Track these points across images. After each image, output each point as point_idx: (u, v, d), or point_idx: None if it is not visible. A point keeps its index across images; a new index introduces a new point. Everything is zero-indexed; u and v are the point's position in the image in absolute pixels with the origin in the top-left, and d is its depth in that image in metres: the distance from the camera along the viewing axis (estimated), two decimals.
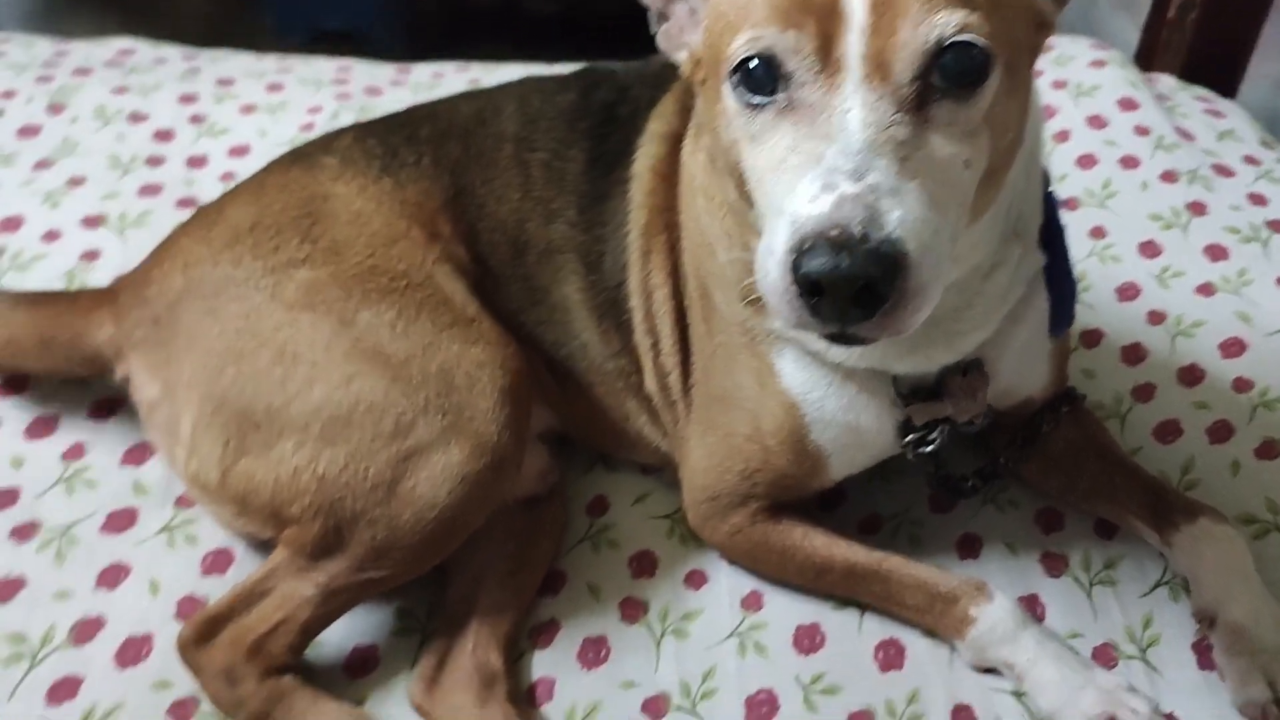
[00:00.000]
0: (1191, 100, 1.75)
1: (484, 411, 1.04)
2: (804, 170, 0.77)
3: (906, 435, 1.06)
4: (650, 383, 1.16)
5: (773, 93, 0.81)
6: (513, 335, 1.14)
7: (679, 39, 0.96)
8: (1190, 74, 1.84)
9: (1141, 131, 1.64)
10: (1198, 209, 1.52)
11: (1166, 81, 1.81)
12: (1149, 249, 1.47)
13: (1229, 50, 1.83)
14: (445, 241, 1.14)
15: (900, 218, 0.74)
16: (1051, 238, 1.02)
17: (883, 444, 1.08)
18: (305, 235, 1.11)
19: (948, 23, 0.77)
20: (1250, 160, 1.61)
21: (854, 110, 0.77)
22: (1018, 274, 1.00)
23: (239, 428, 1.04)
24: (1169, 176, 1.57)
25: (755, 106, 0.83)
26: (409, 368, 1.04)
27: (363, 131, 1.24)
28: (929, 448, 1.06)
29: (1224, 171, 1.58)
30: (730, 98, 0.84)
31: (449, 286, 1.11)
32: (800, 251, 0.74)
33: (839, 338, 0.80)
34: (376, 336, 1.05)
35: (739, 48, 0.82)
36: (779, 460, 1.08)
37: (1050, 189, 1.03)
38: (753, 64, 0.81)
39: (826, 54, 0.79)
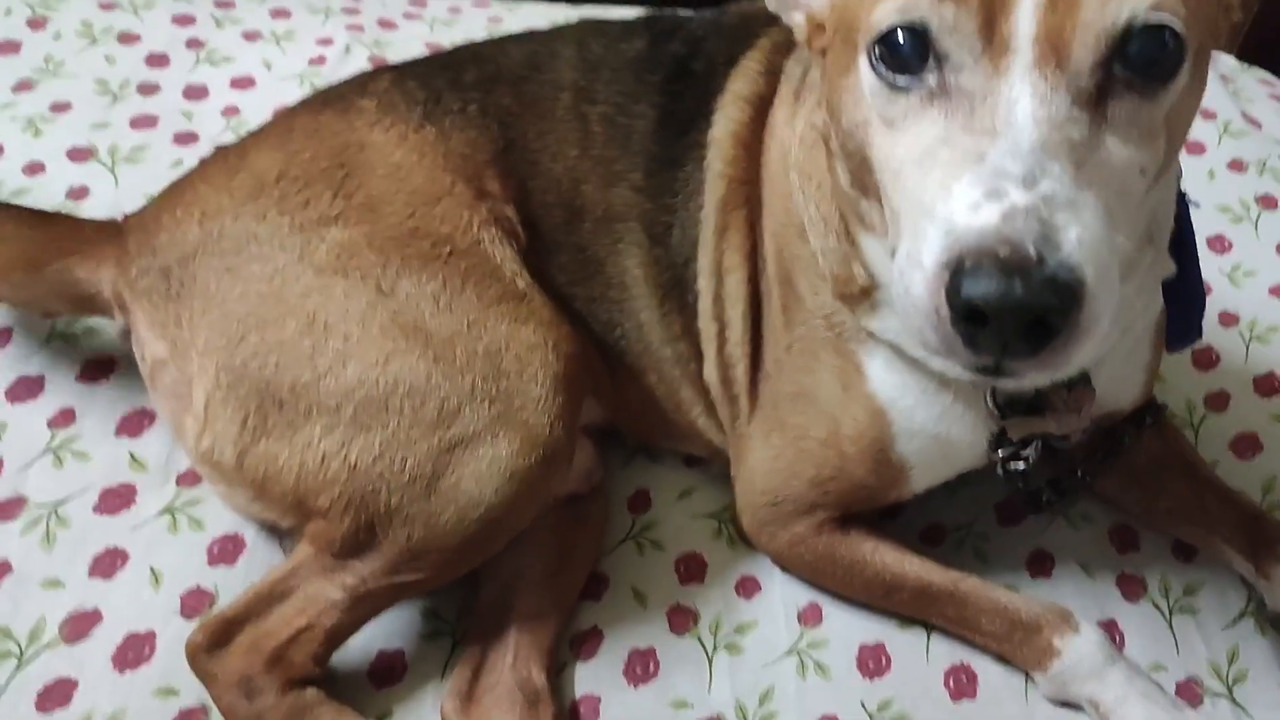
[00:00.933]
0: (1255, 84, 1.67)
1: (535, 400, 0.93)
2: (960, 169, 0.66)
3: (998, 449, 0.96)
4: (711, 372, 1.05)
5: (921, 72, 0.70)
6: (561, 313, 1.03)
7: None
8: (1248, 53, 1.75)
9: (1207, 115, 1.56)
10: (1269, 203, 1.45)
11: (1227, 62, 1.72)
12: (1219, 244, 1.39)
13: None
14: (493, 200, 1.02)
15: (1078, 237, 0.63)
16: (1183, 242, 0.92)
17: (972, 457, 0.98)
18: (338, 189, 0.98)
19: (1140, 2, 0.66)
20: None
21: (1023, 101, 0.66)
22: (1147, 280, 0.90)
23: (260, 404, 0.92)
24: (1237, 166, 1.50)
25: (898, 87, 0.71)
26: (453, 347, 0.92)
27: (401, 73, 1.10)
28: (1021, 464, 0.97)
29: None
30: (867, 73, 0.73)
31: (497, 254, 0.99)
32: (959, 269, 0.63)
33: (989, 370, 0.68)
34: (417, 310, 0.93)
35: (883, 16, 0.70)
36: (856, 469, 0.98)
37: (1183, 187, 0.93)
38: (900, 38, 0.70)
39: (991, 32, 0.67)
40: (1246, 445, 1.18)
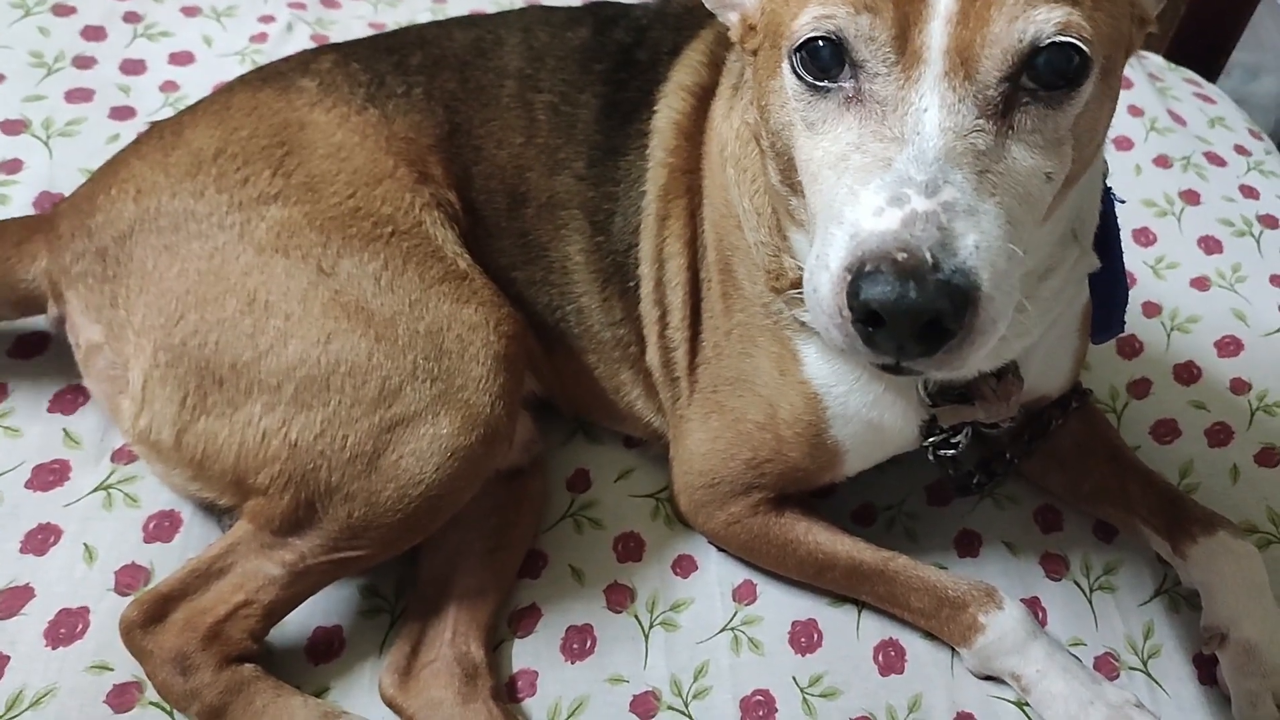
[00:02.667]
0: (1181, 83, 1.72)
1: (476, 380, 0.94)
2: (869, 175, 0.68)
3: (929, 435, 0.99)
4: (652, 356, 1.07)
5: (838, 78, 0.72)
6: (503, 294, 1.03)
7: None
8: (1175, 54, 1.81)
9: (1135, 112, 1.60)
10: (1191, 198, 1.49)
11: (1155, 60, 1.77)
12: (1143, 236, 1.44)
13: (1218, 33, 1.79)
14: (436, 185, 1.03)
15: (975, 243, 0.66)
16: (1108, 239, 0.95)
17: (903, 443, 1.01)
18: (278, 167, 0.98)
19: (1048, 20, 0.68)
20: (1240, 150, 1.59)
21: (931, 110, 0.69)
22: (1071, 278, 0.93)
23: (199, 383, 0.92)
24: (1162, 161, 1.54)
25: (817, 90, 0.73)
26: (395, 327, 0.93)
27: (345, 54, 1.10)
28: (951, 450, 1.00)
29: (1216, 160, 1.55)
30: (789, 77, 0.75)
31: (439, 235, 1.00)
32: (860, 272, 0.65)
33: (890, 368, 0.71)
34: (359, 289, 0.93)
35: (804, 24, 0.72)
36: (792, 452, 1.00)
37: (1108, 184, 0.97)
38: (819, 44, 0.72)
39: (904, 43, 0.70)
40: (1166, 430, 1.22)
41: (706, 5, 0.88)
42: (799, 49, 0.73)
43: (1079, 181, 0.82)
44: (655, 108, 1.04)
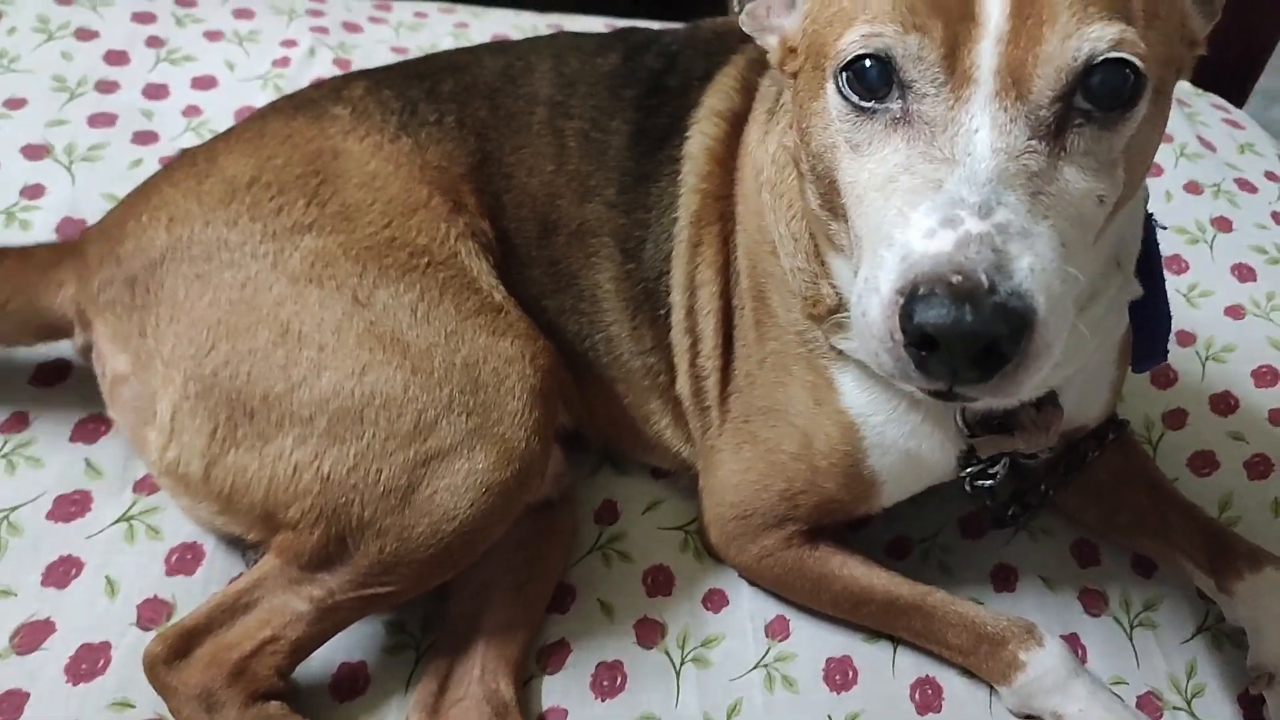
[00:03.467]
0: (1209, 108, 1.70)
1: (512, 414, 0.92)
2: (919, 196, 0.67)
3: (966, 466, 0.97)
4: (682, 384, 1.05)
5: (886, 99, 0.71)
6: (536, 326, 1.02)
7: (766, 21, 0.85)
8: (1201, 79, 1.79)
9: (1165, 138, 1.58)
10: (1223, 225, 1.47)
11: (1182, 85, 1.75)
12: (1176, 264, 1.42)
13: (1246, 59, 1.78)
14: (470, 214, 1.02)
15: (1030, 265, 0.64)
16: (1150, 266, 0.94)
17: (941, 473, 0.99)
18: (312, 196, 0.96)
19: (1102, 36, 0.67)
20: (1271, 176, 1.57)
21: (982, 131, 0.67)
22: (1113, 305, 0.91)
23: (230, 415, 0.90)
24: (1193, 188, 1.52)
25: (864, 111, 0.72)
26: (430, 359, 0.91)
27: (376, 81, 1.09)
28: (989, 481, 0.98)
29: (1247, 187, 1.54)
30: (834, 97, 0.74)
31: (474, 266, 0.99)
32: (913, 295, 0.64)
33: (943, 394, 0.69)
34: (394, 320, 0.92)
35: (851, 43, 0.71)
36: (828, 483, 0.98)
37: (1150, 210, 0.95)
38: (866, 64, 0.71)
39: (954, 62, 0.68)
40: (1204, 462, 1.20)
41: (744, 29, 0.87)
42: (845, 68, 0.72)
43: (1127, 205, 0.80)
44: (687, 134, 1.02)
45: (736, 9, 0.87)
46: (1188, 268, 1.41)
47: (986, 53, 0.68)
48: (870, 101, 0.72)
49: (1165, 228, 1.00)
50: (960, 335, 0.63)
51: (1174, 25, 0.74)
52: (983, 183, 0.66)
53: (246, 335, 0.90)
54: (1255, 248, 1.44)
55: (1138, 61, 0.68)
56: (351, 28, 1.62)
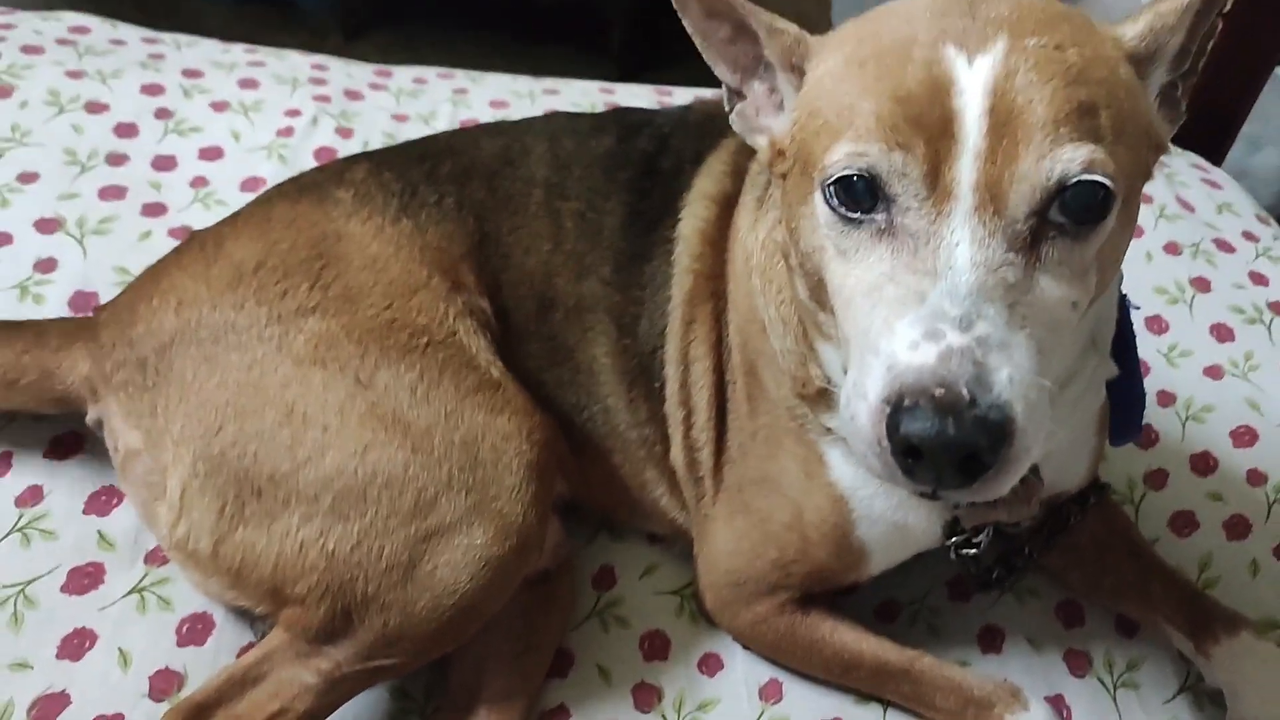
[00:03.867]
0: (1188, 168, 1.75)
1: (509, 489, 0.96)
2: (904, 308, 0.70)
3: (951, 535, 1.01)
4: (677, 455, 1.08)
5: (872, 211, 0.74)
6: (531, 397, 1.05)
7: (755, 121, 0.89)
8: (1180, 138, 1.83)
9: (1144, 200, 1.62)
10: (1202, 285, 1.51)
11: None
12: (1156, 324, 1.46)
13: (1223, 117, 1.83)
14: (468, 293, 1.05)
15: (1009, 376, 0.68)
16: (1124, 345, 0.97)
17: (927, 542, 1.03)
18: (316, 280, 1.00)
19: (1074, 159, 0.71)
20: (1249, 236, 1.61)
21: (962, 245, 0.71)
22: (1091, 383, 0.95)
23: (238, 493, 0.93)
24: (1172, 249, 1.56)
25: (851, 221, 0.76)
26: (430, 438, 0.95)
27: (377, 162, 1.13)
28: (973, 549, 1.01)
29: (1225, 247, 1.58)
30: (822, 207, 0.77)
31: (473, 344, 1.02)
32: (898, 406, 0.68)
33: (928, 495, 0.73)
34: (395, 401, 0.95)
35: (838, 160, 0.74)
36: (818, 552, 1.02)
37: (1123, 291, 0.99)
38: (853, 179, 0.74)
39: (935, 178, 0.72)
40: (1184, 522, 1.23)
41: (734, 129, 0.90)
42: (832, 182, 0.75)
43: (1099, 300, 0.84)
44: (680, 215, 1.06)
45: (727, 108, 0.91)
46: (1168, 328, 1.45)
47: (966, 169, 0.71)
48: (857, 213, 0.75)
49: (1138, 308, 1.03)
50: (943, 447, 0.66)
51: (1140, 137, 0.78)
52: (963, 296, 0.69)
53: (253, 416, 0.94)
54: (1233, 308, 1.48)
55: (1107, 181, 0.72)
56: (353, 95, 1.66)
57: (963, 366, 0.67)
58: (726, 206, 1.05)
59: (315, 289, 0.99)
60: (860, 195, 0.74)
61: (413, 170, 1.11)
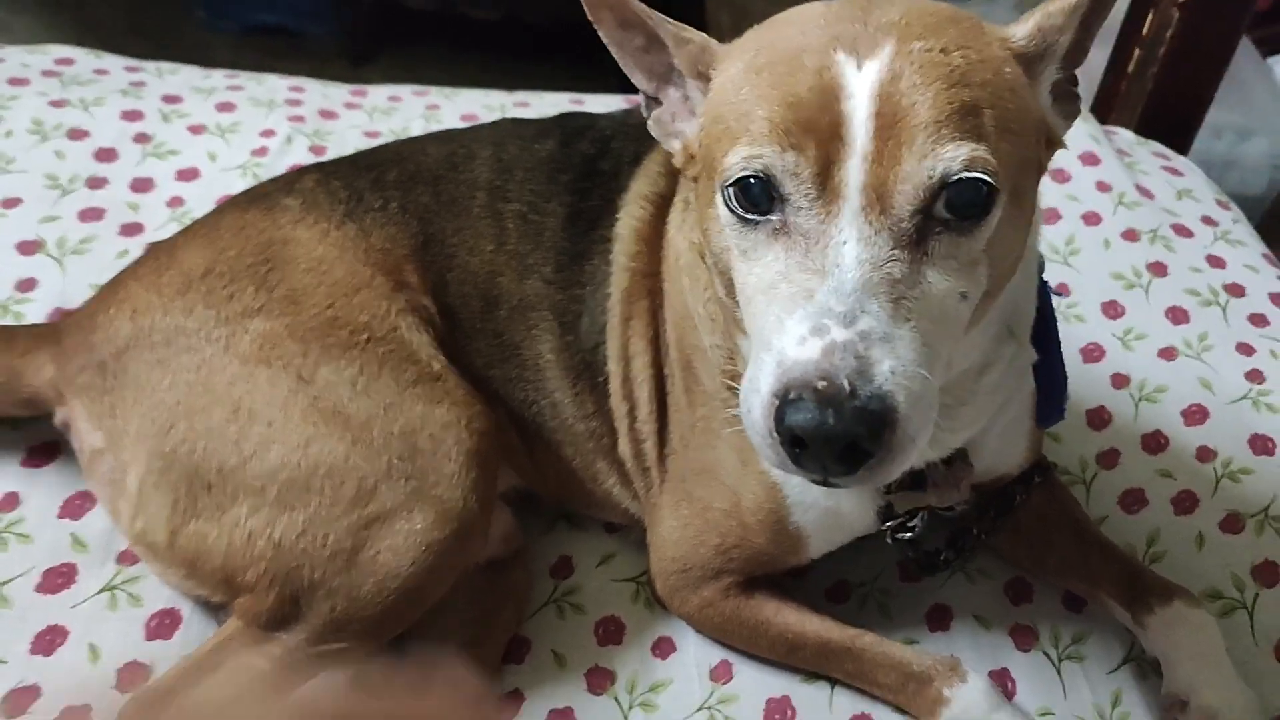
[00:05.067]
0: (1150, 156, 1.77)
1: (449, 476, 1.00)
2: (794, 305, 0.74)
3: (887, 520, 1.04)
4: (624, 447, 1.12)
5: (768, 212, 0.78)
6: (479, 391, 1.09)
7: (671, 127, 0.93)
8: (1146, 126, 1.86)
9: (1103, 188, 1.65)
10: (1159, 269, 1.53)
11: (1125, 136, 1.83)
12: (1112, 309, 1.48)
13: (1186, 106, 1.85)
14: (411, 291, 1.10)
15: (891, 368, 0.71)
16: (1044, 332, 1.00)
17: (863, 527, 1.06)
18: (261, 283, 1.05)
19: (954, 157, 0.74)
20: (1208, 220, 1.63)
21: (849, 244, 0.74)
22: (1010, 371, 0.98)
23: (189, 488, 0.98)
24: (1130, 235, 1.58)
25: (749, 222, 0.79)
26: (370, 429, 0.99)
27: (326, 172, 1.18)
28: (909, 534, 1.04)
29: (1183, 231, 1.60)
30: (723, 209, 0.81)
31: (414, 340, 1.06)
32: (785, 399, 0.71)
33: (819, 482, 0.76)
34: (336, 395, 1.00)
35: (735, 162, 0.78)
36: (757, 538, 1.05)
37: (1044, 278, 1.01)
38: (750, 181, 0.78)
39: (825, 180, 0.75)
40: (1133, 500, 1.25)
41: (652, 134, 0.94)
42: (730, 184, 0.79)
43: (1002, 291, 0.87)
44: (617, 215, 1.10)
45: (645, 115, 0.95)
46: (1124, 312, 1.47)
47: (854, 171, 0.74)
48: (754, 214, 0.78)
49: (1060, 294, 1.06)
50: (824, 436, 0.70)
51: (1028, 133, 0.81)
52: (848, 293, 0.72)
53: (202, 414, 0.98)
54: (1189, 290, 1.49)
55: (987, 178, 0.75)
56: (327, 115, 1.72)
57: (845, 360, 0.70)
58: (662, 206, 1.09)
59: (260, 291, 1.04)
60: (757, 197, 0.78)
61: (360, 178, 1.15)
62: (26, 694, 1.02)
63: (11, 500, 1.15)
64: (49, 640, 1.06)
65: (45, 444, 1.19)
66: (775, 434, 0.72)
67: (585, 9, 0.89)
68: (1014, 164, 0.78)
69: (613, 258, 1.09)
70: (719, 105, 0.84)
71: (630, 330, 1.08)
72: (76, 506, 1.16)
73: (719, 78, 0.86)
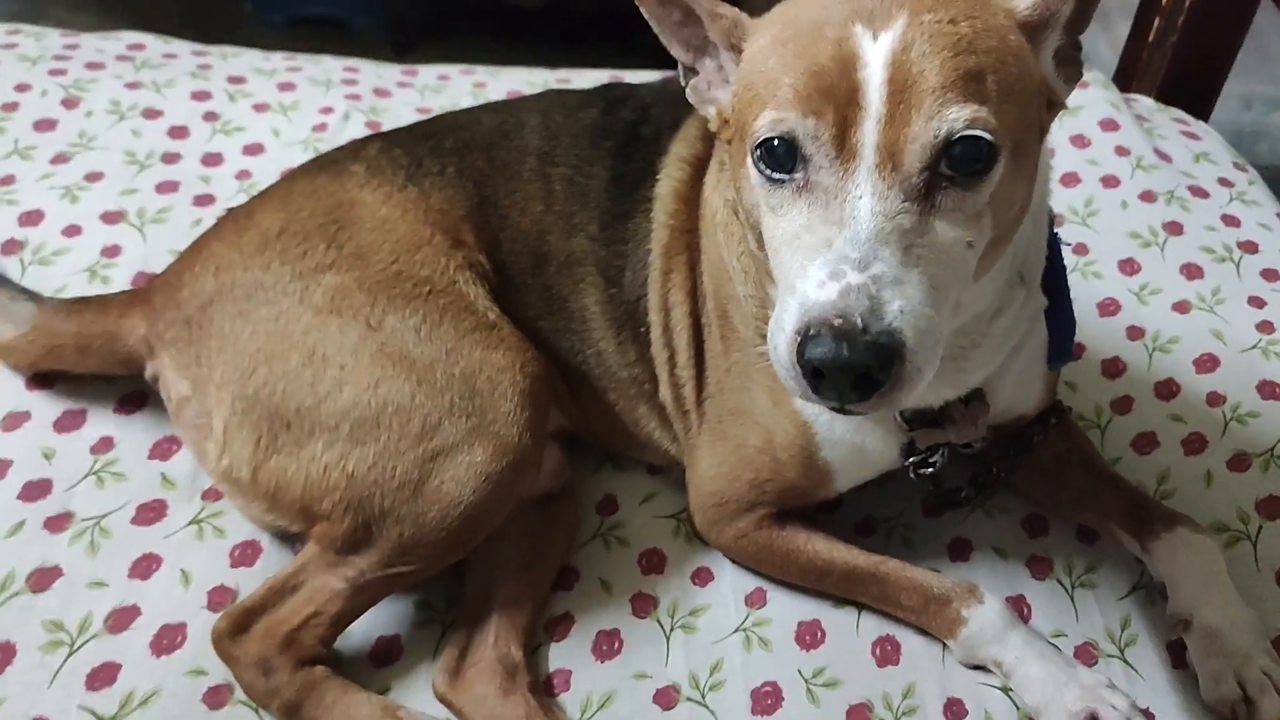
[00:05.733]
0: (1169, 122, 1.83)
1: (505, 414, 1.10)
2: (815, 253, 0.82)
3: (909, 456, 1.12)
4: (664, 392, 1.21)
5: (792, 171, 0.85)
6: (530, 341, 1.19)
7: (707, 94, 1.01)
8: (1167, 94, 1.92)
9: (1122, 152, 1.71)
10: (1174, 229, 1.59)
11: (1145, 103, 1.89)
12: (1128, 266, 1.55)
13: (1205, 74, 1.90)
14: (468, 249, 1.19)
15: (900, 308, 0.79)
16: (1054, 279, 1.08)
17: (887, 462, 1.14)
18: (331, 241, 1.15)
19: (958, 118, 0.81)
20: (1224, 182, 1.69)
21: (864, 198, 0.81)
22: (1021, 315, 1.06)
23: (270, 426, 1.09)
24: (1148, 196, 1.65)
25: (776, 181, 0.87)
26: (433, 371, 1.09)
27: (389, 141, 1.28)
28: (930, 469, 1.12)
29: (1199, 193, 1.66)
30: (753, 170, 0.88)
31: (471, 292, 1.16)
32: (806, 336, 0.79)
33: (837, 409, 0.85)
34: (402, 341, 1.10)
35: (763, 126, 0.86)
36: (789, 472, 1.14)
37: (1055, 230, 1.09)
38: (775, 144, 0.85)
39: (843, 141, 0.83)
40: (1145, 442, 1.32)
41: (690, 101, 1.02)
42: (758, 147, 0.87)
43: (1009, 240, 0.95)
44: (658, 176, 1.19)
45: (683, 84, 1.03)
46: (1140, 269, 1.54)
47: (869, 132, 0.82)
48: (780, 174, 0.86)
49: (1069, 245, 1.13)
50: (839, 367, 0.78)
51: (1030, 96, 0.88)
52: (863, 241, 0.80)
53: (280, 360, 1.09)
54: (1204, 248, 1.56)
55: (989, 136, 0.82)
56: (381, 93, 1.82)
57: (859, 300, 0.78)
58: (699, 168, 1.17)
59: (331, 248, 1.14)
60: (782, 158, 0.86)
61: (419, 145, 1.25)
62: (128, 612, 1.13)
63: (107, 443, 1.27)
64: (145, 566, 1.17)
65: (135, 393, 1.30)
66: (798, 366, 0.81)
67: None
68: (1015, 124, 0.85)
69: (653, 216, 1.18)
70: (749, 74, 0.92)
71: (670, 283, 1.17)
72: (164, 449, 1.27)
73: (749, 49, 0.94)
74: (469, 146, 1.25)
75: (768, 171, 0.87)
